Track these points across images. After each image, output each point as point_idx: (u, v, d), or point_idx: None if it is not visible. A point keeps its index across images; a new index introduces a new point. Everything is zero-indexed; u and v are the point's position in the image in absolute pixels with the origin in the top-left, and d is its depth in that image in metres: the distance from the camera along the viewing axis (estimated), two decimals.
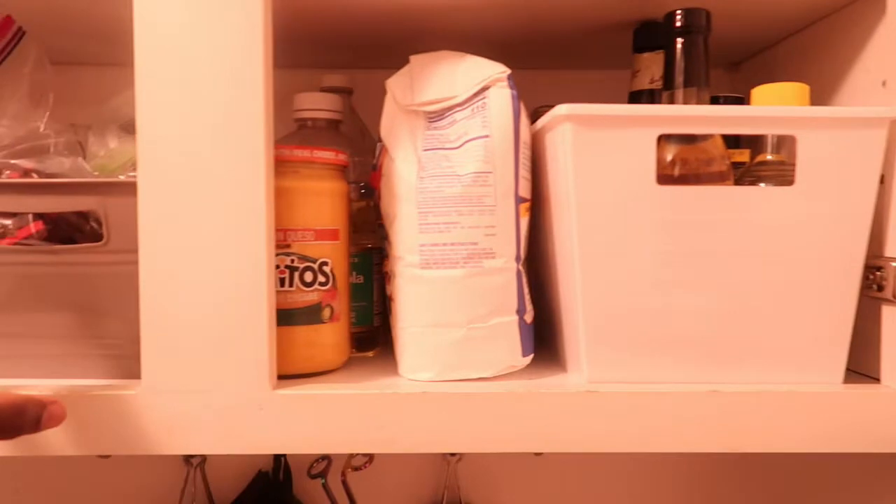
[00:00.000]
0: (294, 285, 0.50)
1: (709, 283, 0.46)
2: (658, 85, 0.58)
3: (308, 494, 0.80)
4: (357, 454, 0.78)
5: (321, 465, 0.79)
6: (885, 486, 0.62)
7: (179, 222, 0.45)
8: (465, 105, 0.51)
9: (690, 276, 0.47)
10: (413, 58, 0.54)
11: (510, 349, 0.51)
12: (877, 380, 0.49)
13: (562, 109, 0.45)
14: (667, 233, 0.46)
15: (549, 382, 0.49)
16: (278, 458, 0.79)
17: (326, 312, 0.52)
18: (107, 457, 0.78)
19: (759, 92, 0.50)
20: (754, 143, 0.52)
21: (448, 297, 0.50)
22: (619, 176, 0.46)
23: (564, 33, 0.64)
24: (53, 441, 0.45)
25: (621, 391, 0.46)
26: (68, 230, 0.50)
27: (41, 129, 0.56)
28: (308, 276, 0.51)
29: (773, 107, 0.47)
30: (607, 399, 0.45)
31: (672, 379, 0.47)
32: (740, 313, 0.47)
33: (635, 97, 0.59)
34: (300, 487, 0.80)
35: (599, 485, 0.82)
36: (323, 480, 0.78)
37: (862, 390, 0.47)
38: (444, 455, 0.80)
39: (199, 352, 0.45)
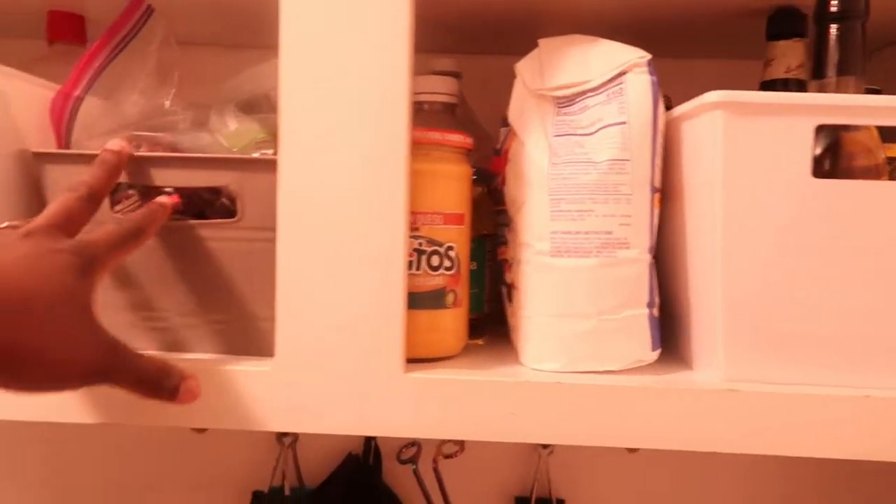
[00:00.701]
0: (421, 269, 0.50)
1: (863, 282, 0.44)
2: (795, 74, 0.55)
3: (397, 480, 0.79)
4: (448, 441, 0.78)
5: (411, 451, 0.79)
6: None
7: (319, 203, 0.44)
8: (599, 90, 0.50)
9: (842, 274, 0.44)
10: (542, 41, 0.53)
11: (640, 343, 0.49)
12: None
13: (712, 97, 0.44)
14: (819, 227, 0.44)
15: (681, 379, 0.47)
16: (368, 442, 0.79)
17: (450, 298, 0.51)
18: (202, 431, 0.80)
19: None
20: None
21: (579, 286, 0.48)
22: (772, 167, 0.44)
23: (691, 20, 0.61)
24: (188, 413, 0.45)
25: (766, 391, 0.44)
26: (199, 205, 0.51)
27: (167, 106, 0.57)
28: (434, 261, 0.50)
29: None
30: (750, 398, 0.44)
31: (814, 381, 0.45)
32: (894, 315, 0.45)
33: (768, 87, 0.57)
34: (388, 472, 0.80)
35: (694, 484, 0.80)
36: (414, 466, 0.78)
37: None
38: (535, 446, 0.79)
39: (335, 332, 0.45)
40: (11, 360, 0.36)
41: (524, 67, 0.52)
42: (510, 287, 0.54)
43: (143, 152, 0.49)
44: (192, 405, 0.46)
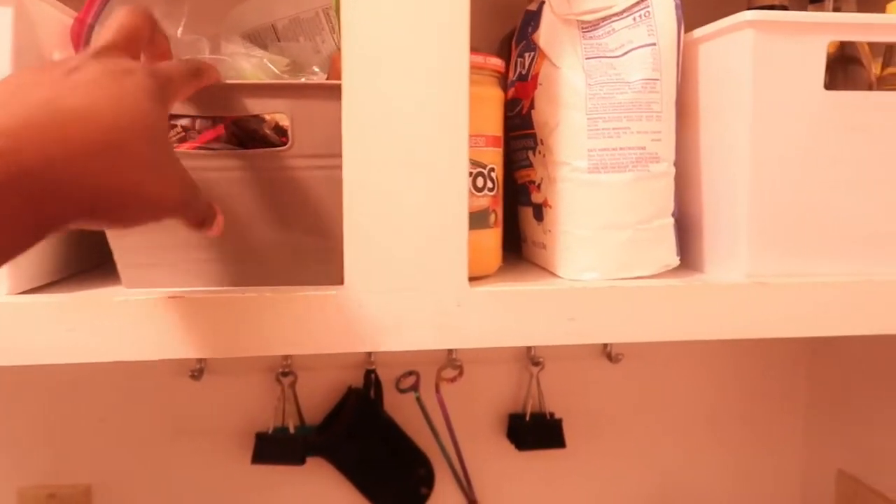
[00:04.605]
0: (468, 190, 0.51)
1: (873, 185, 0.50)
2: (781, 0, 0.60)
3: (398, 410, 0.82)
4: (447, 367, 0.81)
5: (410, 380, 0.82)
6: None
7: (383, 127, 0.45)
8: (624, 14, 0.53)
9: (852, 178, 0.50)
10: None
11: (668, 249, 0.54)
12: None
13: (746, 16, 0.48)
14: (832, 137, 0.50)
15: (714, 277, 0.53)
16: (368, 375, 0.81)
17: (492, 218, 0.54)
18: (198, 377, 0.78)
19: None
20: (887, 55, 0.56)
21: (617, 199, 0.52)
22: (793, 82, 0.49)
23: None
24: (267, 341, 0.46)
25: (790, 283, 0.50)
26: (242, 135, 0.50)
27: (179, 36, 0.55)
28: (479, 182, 0.52)
29: None
30: (779, 289, 0.50)
31: (824, 272, 0.51)
32: None
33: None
34: (388, 403, 0.82)
35: (666, 387, 0.88)
36: (416, 394, 0.81)
37: None
38: (526, 365, 0.84)
39: (403, 253, 0.46)
40: (107, 200, 0.34)
41: None
42: (540, 206, 0.57)
43: None
44: (268, 334, 0.46)
